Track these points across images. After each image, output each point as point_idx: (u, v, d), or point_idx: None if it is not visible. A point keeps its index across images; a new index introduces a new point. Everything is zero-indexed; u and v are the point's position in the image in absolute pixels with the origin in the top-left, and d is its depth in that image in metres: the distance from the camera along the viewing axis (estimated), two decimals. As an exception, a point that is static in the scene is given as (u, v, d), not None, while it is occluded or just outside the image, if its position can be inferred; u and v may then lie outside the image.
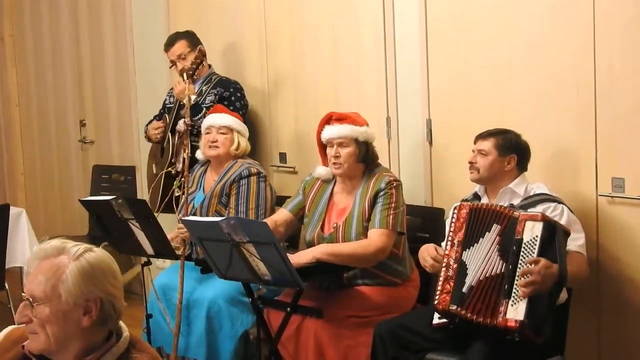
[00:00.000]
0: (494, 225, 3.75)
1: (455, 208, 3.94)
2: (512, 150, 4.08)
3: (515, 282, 3.60)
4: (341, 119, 4.49)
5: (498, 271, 3.69)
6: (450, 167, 4.84)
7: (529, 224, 3.65)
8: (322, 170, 4.61)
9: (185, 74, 5.37)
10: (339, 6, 5.40)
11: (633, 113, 4.02)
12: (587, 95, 4.16)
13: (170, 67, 5.89)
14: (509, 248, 3.67)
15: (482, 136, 4.15)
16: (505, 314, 3.60)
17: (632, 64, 4.00)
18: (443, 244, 4.10)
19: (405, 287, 4.45)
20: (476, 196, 4.20)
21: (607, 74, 4.09)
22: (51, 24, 8.15)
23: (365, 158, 4.49)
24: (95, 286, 2.41)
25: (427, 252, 4.06)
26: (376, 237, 4.30)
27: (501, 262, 3.69)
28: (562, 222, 3.81)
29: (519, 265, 3.62)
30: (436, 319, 3.91)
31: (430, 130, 4.92)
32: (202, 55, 5.47)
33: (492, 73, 4.60)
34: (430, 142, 4.93)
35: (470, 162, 4.13)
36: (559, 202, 3.93)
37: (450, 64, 4.80)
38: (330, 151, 4.47)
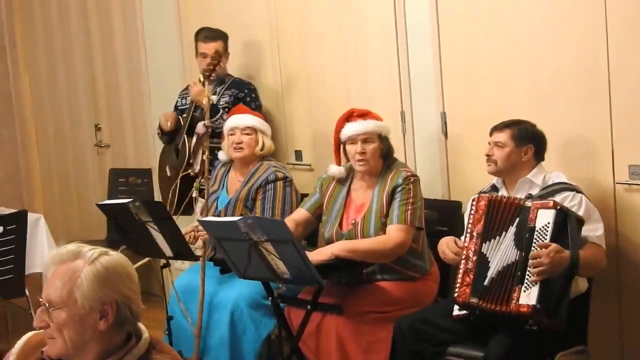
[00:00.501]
0: (516, 219, 3.76)
1: (473, 200, 3.95)
2: (528, 140, 4.07)
3: (528, 268, 3.63)
4: (364, 114, 4.49)
5: (513, 260, 3.71)
6: (466, 160, 4.84)
7: (541, 211, 3.67)
8: (335, 170, 4.60)
9: (202, 76, 5.38)
10: (348, 2, 5.40)
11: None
12: (601, 82, 4.15)
13: (197, 57, 5.87)
14: (523, 236, 3.69)
15: (497, 128, 4.14)
16: (518, 299, 3.63)
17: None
18: (462, 237, 4.11)
19: (425, 282, 4.45)
20: (494, 188, 4.20)
21: (621, 58, 4.08)
22: (62, 28, 8.17)
23: (387, 153, 4.50)
24: (111, 289, 2.42)
25: (446, 246, 4.06)
26: (395, 232, 4.30)
27: (516, 250, 3.71)
28: (581, 211, 3.81)
29: (531, 252, 3.64)
30: (456, 311, 3.93)
31: (445, 123, 4.92)
32: (219, 56, 5.48)
33: (506, 63, 4.59)
34: (446, 135, 4.93)
35: (487, 155, 4.12)
36: (578, 191, 3.92)
37: (464, 56, 4.79)
38: (353, 148, 4.45)
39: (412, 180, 4.38)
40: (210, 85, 5.52)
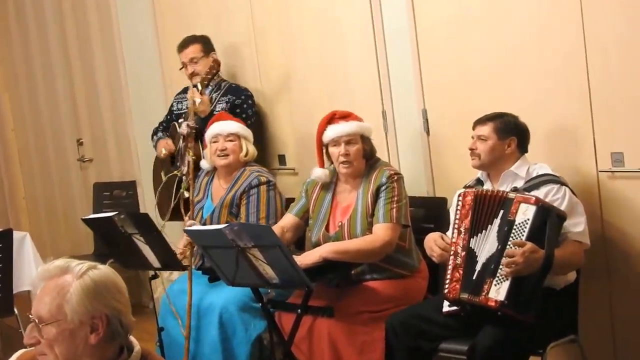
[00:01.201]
0: (501, 211, 3.77)
1: (459, 195, 3.96)
2: (511, 132, 4.08)
3: (501, 262, 3.66)
4: (345, 116, 4.50)
5: (494, 251, 3.73)
6: (449, 156, 4.86)
7: (522, 206, 3.69)
8: (319, 172, 4.60)
9: (199, 84, 5.40)
10: (325, 3, 5.40)
11: (627, 86, 4.02)
12: (579, 71, 4.16)
13: (180, 69, 5.87)
14: (502, 229, 3.72)
15: (480, 121, 4.14)
16: (487, 292, 3.67)
17: (623, 35, 4.00)
18: (449, 232, 4.13)
19: (414, 279, 4.46)
20: (479, 181, 4.21)
21: (597, 47, 4.09)
22: (40, 46, 8.17)
23: (370, 153, 4.52)
24: (100, 303, 2.42)
25: (433, 242, 4.06)
26: (381, 231, 4.31)
27: (497, 242, 3.73)
28: (564, 205, 3.82)
29: (507, 246, 3.67)
30: (446, 307, 3.94)
31: (427, 120, 4.93)
32: (218, 65, 5.49)
33: (483, 56, 4.60)
34: (428, 132, 4.94)
35: (471, 149, 4.12)
36: (562, 183, 3.93)
37: (441, 52, 4.81)
38: (335, 150, 4.46)
39: (395, 178, 4.39)
40: (207, 90, 5.51)
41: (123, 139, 7.35)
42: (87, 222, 4.83)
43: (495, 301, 3.63)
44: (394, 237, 4.32)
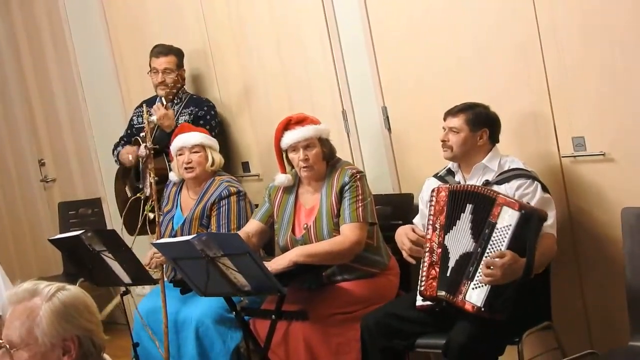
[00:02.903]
0: (468, 205, 3.76)
1: (433, 190, 3.93)
2: (483, 124, 4.06)
3: (480, 267, 3.64)
4: (301, 121, 4.48)
5: (469, 250, 3.72)
6: (412, 152, 4.87)
7: (505, 209, 3.63)
8: (282, 178, 4.60)
9: (164, 99, 5.37)
10: (280, 9, 5.39)
11: (582, 70, 4.05)
12: (534, 58, 4.19)
13: (148, 73, 5.80)
14: (482, 229, 3.68)
15: (451, 113, 4.11)
16: (465, 295, 3.66)
17: (574, 17, 4.03)
18: (415, 219, 4.14)
19: (385, 276, 4.47)
20: (449, 172, 4.20)
21: (550, 31, 4.11)
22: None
23: (330, 155, 4.51)
24: (71, 324, 2.40)
25: (405, 235, 4.05)
26: (349, 231, 4.31)
27: (472, 241, 3.72)
28: (534, 201, 3.80)
29: (487, 251, 3.64)
30: (419, 301, 3.93)
31: (387, 117, 4.93)
32: (183, 80, 5.47)
33: (438, 48, 4.61)
34: (389, 130, 4.95)
35: (443, 141, 4.09)
36: (534, 177, 3.91)
37: (398, 48, 4.81)
38: (295, 155, 4.45)
39: (358, 177, 4.39)
40: (169, 103, 5.49)
41: (85, 157, 7.30)
42: (54, 242, 4.80)
43: (473, 306, 3.62)
44: (362, 236, 4.32)
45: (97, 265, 4.60)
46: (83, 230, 4.58)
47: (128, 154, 5.72)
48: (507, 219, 3.62)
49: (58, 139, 7.60)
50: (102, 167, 6.93)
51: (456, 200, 3.82)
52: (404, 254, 4.07)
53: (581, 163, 4.16)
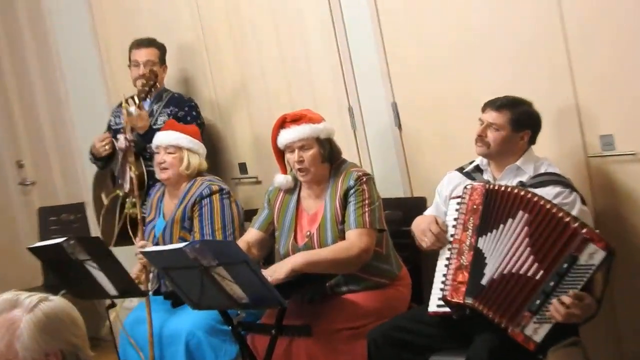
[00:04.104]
0: (520, 212, 3.67)
1: (466, 187, 3.90)
2: (526, 125, 4.00)
3: (549, 301, 3.52)
4: (297, 119, 4.43)
5: (530, 273, 3.59)
6: (425, 151, 4.84)
7: (591, 247, 3.48)
8: (282, 179, 4.56)
9: (137, 97, 5.37)
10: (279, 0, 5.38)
11: (610, 65, 4.01)
12: (559, 53, 4.15)
13: (128, 66, 5.79)
14: (558, 260, 3.54)
15: (494, 106, 4.03)
16: (524, 327, 3.55)
17: (601, 14, 3.99)
18: (429, 210, 4.14)
19: (395, 288, 4.43)
20: (477, 169, 4.15)
21: (577, 27, 4.08)
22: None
23: (330, 156, 4.46)
24: (54, 338, 2.38)
25: (427, 227, 3.99)
26: (356, 237, 4.26)
27: (535, 263, 3.59)
28: (573, 214, 3.69)
29: (561, 287, 3.51)
30: (433, 307, 3.88)
31: (398, 114, 4.91)
32: (155, 76, 5.44)
33: (454, 43, 4.58)
34: (400, 127, 4.92)
35: (480, 135, 4.02)
36: (572, 187, 3.86)
37: (410, 39, 4.79)
38: (291, 157, 4.42)
39: (364, 180, 4.34)
40: (146, 103, 5.47)
41: (68, 158, 7.30)
42: (34, 251, 4.76)
43: (533, 343, 3.53)
44: (370, 243, 4.27)
45: (80, 276, 4.56)
46: (65, 238, 4.54)
47: (101, 141, 5.68)
48: (591, 257, 3.48)
49: (38, 139, 7.59)
50: (85, 170, 6.90)
51: (496, 201, 3.75)
52: (423, 245, 4.02)
53: (610, 163, 4.14)
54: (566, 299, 3.45)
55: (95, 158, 5.82)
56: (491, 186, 3.83)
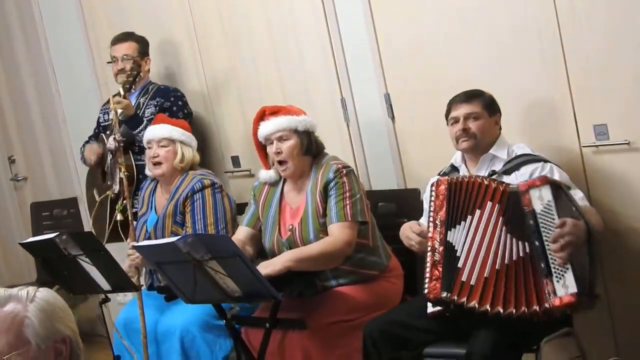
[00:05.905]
0: (489, 203, 3.70)
1: (432, 185, 3.90)
2: (497, 109, 4.08)
3: (549, 255, 3.54)
4: (275, 111, 4.46)
5: (521, 254, 3.64)
6: (418, 143, 4.84)
7: (533, 192, 3.57)
8: (265, 175, 4.59)
9: (122, 89, 5.36)
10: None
11: (603, 53, 4.02)
12: (552, 42, 4.16)
13: (108, 63, 5.81)
14: (525, 225, 3.60)
15: (464, 100, 4.09)
16: (554, 292, 3.54)
17: (595, 3, 4.00)
18: (421, 220, 4.12)
19: (386, 279, 4.43)
20: (453, 168, 4.18)
21: (570, 15, 4.08)
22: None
23: (309, 149, 4.45)
24: (61, 323, 2.38)
25: (410, 230, 4.02)
26: (338, 231, 4.26)
27: (520, 243, 3.64)
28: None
29: (544, 238, 3.56)
30: (430, 308, 3.89)
31: (391, 105, 4.91)
32: (138, 66, 5.45)
33: (447, 32, 4.59)
34: (393, 119, 4.93)
35: (464, 129, 4.05)
36: (545, 160, 3.91)
37: (402, 29, 4.78)
38: (271, 149, 4.43)
39: (344, 172, 4.34)
40: (130, 96, 5.48)
41: (59, 153, 7.28)
42: (26, 246, 4.78)
43: (572, 295, 3.48)
44: (352, 236, 4.27)
45: (73, 271, 4.58)
46: (57, 233, 4.55)
47: (91, 153, 5.72)
48: (541, 199, 3.56)
49: (29, 134, 7.57)
50: (78, 165, 6.90)
51: (459, 194, 3.76)
52: (415, 249, 4.04)
53: (604, 153, 4.14)
54: (551, 237, 3.51)
55: (85, 163, 5.86)
56: (454, 179, 3.84)
